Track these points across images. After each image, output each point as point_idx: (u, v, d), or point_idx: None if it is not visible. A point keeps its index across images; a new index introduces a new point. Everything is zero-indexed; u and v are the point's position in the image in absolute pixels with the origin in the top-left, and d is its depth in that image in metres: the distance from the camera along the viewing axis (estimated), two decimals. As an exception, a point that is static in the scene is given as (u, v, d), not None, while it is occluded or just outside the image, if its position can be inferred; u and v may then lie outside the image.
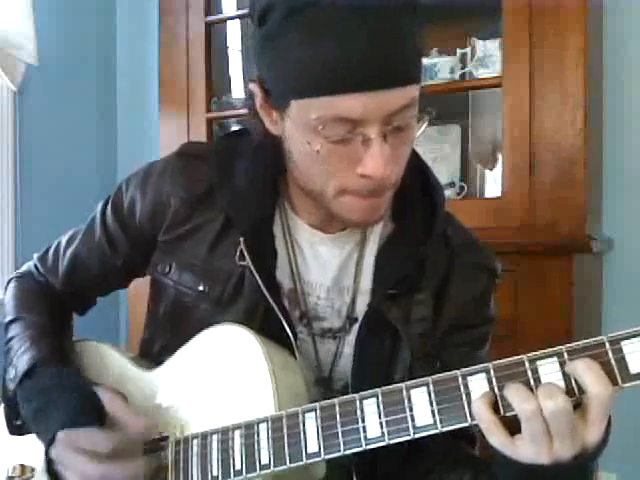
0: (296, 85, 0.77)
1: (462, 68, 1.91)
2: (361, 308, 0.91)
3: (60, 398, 0.83)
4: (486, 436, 0.66)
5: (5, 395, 0.90)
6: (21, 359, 0.89)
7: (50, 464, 0.82)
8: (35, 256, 1.07)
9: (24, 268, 1.07)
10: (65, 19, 2.42)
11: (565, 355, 0.63)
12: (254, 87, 0.83)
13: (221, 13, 2.34)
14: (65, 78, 2.42)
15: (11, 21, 2.04)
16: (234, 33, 2.47)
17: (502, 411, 0.64)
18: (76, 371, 0.90)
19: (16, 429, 0.90)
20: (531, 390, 0.63)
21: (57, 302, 1.02)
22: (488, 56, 1.84)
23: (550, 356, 0.64)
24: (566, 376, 0.63)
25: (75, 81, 2.48)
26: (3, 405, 0.92)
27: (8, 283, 1.05)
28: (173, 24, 2.29)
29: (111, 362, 0.96)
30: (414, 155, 0.95)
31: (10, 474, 0.93)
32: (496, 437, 0.65)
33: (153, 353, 0.97)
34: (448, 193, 1.97)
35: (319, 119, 0.76)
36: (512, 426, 0.65)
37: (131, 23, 2.64)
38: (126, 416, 0.81)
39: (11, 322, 0.97)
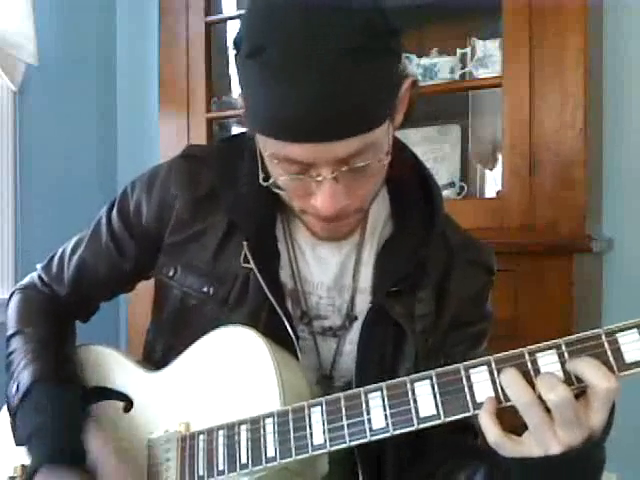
0: (253, 120, 0.79)
1: (462, 68, 1.91)
2: (361, 307, 0.92)
3: (48, 428, 0.85)
4: (495, 449, 0.67)
5: (9, 408, 0.91)
6: (22, 374, 0.89)
7: None
8: (38, 266, 1.07)
9: (27, 279, 1.07)
10: (65, 19, 2.42)
11: (563, 347, 0.65)
12: (240, 101, 0.85)
13: (221, 13, 2.34)
14: (65, 78, 2.42)
15: (11, 21, 2.04)
16: (234, 33, 2.46)
17: (503, 402, 0.66)
18: (72, 394, 0.90)
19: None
20: (530, 381, 0.65)
21: (60, 312, 1.02)
22: (488, 56, 1.84)
23: (549, 348, 0.66)
24: (565, 367, 0.65)
25: (75, 81, 2.48)
26: (9, 417, 0.92)
27: (11, 296, 1.05)
28: (173, 24, 2.29)
29: (115, 364, 0.97)
30: (412, 156, 0.97)
31: (12, 474, 0.93)
32: (505, 448, 0.66)
33: (156, 355, 0.97)
34: (448, 193, 1.97)
35: (273, 155, 0.78)
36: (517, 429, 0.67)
37: (131, 23, 2.64)
38: (109, 469, 0.83)
39: (12, 335, 0.97)
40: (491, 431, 0.66)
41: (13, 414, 0.89)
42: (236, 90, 2.37)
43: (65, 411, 0.86)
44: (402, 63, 0.81)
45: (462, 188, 1.99)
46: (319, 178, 0.77)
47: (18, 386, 0.89)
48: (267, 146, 0.79)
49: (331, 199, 0.78)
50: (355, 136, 0.74)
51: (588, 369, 0.63)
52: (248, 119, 0.81)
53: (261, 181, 0.84)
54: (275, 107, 0.74)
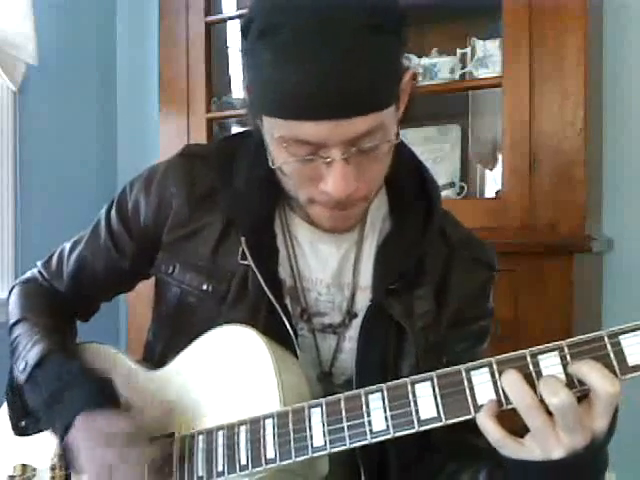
0: (262, 103, 0.79)
1: (462, 68, 1.91)
2: (361, 304, 0.92)
3: (75, 383, 0.84)
4: (496, 448, 0.67)
5: (12, 389, 0.90)
6: (31, 352, 0.89)
7: (65, 450, 0.82)
8: (38, 263, 1.07)
9: (28, 275, 1.07)
10: (65, 19, 2.42)
11: (566, 349, 0.65)
12: (245, 92, 0.85)
13: (221, 13, 2.34)
14: (65, 78, 2.42)
15: (11, 21, 2.04)
16: (234, 33, 2.46)
17: (504, 404, 0.66)
18: (84, 363, 0.91)
19: (22, 430, 0.90)
20: (532, 383, 0.64)
21: (61, 305, 1.02)
22: (488, 56, 1.84)
23: (551, 350, 0.65)
24: (567, 370, 0.64)
25: (75, 81, 2.48)
26: (7, 407, 0.92)
27: (12, 289, 1.05)
28: (173, 24, 2.28)
29: (115, 363, 0.96)
30: (410, 154, 0.97)
31: (11, 473, 0.93)
32: (507, 449, 0.66)
33: (156, 353, 0.97)
34: (448, 193, 1.97)
35: (282, 138, 0.78)
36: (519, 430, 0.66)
37: (131, 23, 2.64)
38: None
39: (16, 323, 0.97)
40: (491, 432, 0.66)
41: (15, 393, 0.89)
42: (236, 90, 2.37)
43: (87, 368, 0.87)
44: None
45: (462, 188, 1.99)
46: (329, 160, 0.76)
47: (26, 363, 0.88)
48: (276, 129, 0.78)
49: (342, 181, 0.77)
50: (367, 114, 0.75)
51: (592, 373, 0.62)
52: (255, 106, 0.81)
53: (271, 164, 0.83)
54: (288, 85, 0.73)
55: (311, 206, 0.85)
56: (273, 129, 0.79)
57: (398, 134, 0.81)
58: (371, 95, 0.75)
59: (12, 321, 0.98)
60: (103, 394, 0.83)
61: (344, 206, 0.82)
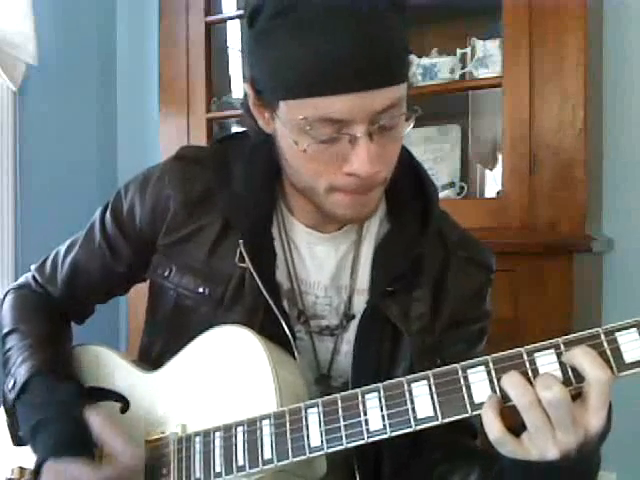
0: (282, 86, 0.77)
1: (462, 68, 1.91)
2: (358, 306, 0.92)
3: (50, 421, 0.85)
4: (495, 446, 0.66)
5: (6, 405, 0.91)
6: (19, 369, 0.89)
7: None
8: (32, 267, 1.06)
9: (22, 280, 1.07)
10: (65, 19, 2.42)
11: (562, 347, 0.65)
12: (247, 87, 0.84)
13: (221, 13, 2.34)
14: (65, 78, 2.42)
15: (11, 21, 2.04)
16: (234, 33, 2.47)
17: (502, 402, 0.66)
18: (70, 386, 0.90)
19: (20, 440, 0.90)
20: (529, 381, 0.64)
21: (55, 311, 1.02)
22: (488, 56, 1.83)
23: (547, 348, 0.66)
24: (563, 366, 0.64)
25: (75, 81, 2.48)
26: (6, 417, 0.92)
27: (5, 295, 1.04)
28: (173, 24, 2.28)
29: (112, 365, 0.96)
30: (407, 155, 0.96)
31: (9, 476, 0.93)
32: (506, 447, 0.66)
33: (152, 356, 0.97)
34: (448, 193, 1.97)
35: (306, 120, 0.76)
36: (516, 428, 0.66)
37: (131, 23, 2.63)
38: (115, 446, 0.83)
39: (9, 333, 0.97)
40: (494, 427, 0.65)
41: (10, 410, 0.89)
42: (236, 90, 2.37)
43: (63, 403, 0.86)
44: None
45: (462, 188, 1.99)
46: (357, 133, 0.76)
47: (15, 381, 0.89)
48: (299, 110, 0.76)
49: (368, 158, 0.77)
50: (390, 86, 0.76)
51: (583, 357, 0.62)
52: (270, 91, 0.79)
53: (284, 160, 0.83)
54: (312, 60, 0.73)
55: (331, 195, 0.82)
56: (294, 112, 0.77)
57: (408, 119, 0.81)
58: (393, 67, 0.76)
59: (4, 331, 0.98)
60: (73, 441, 0.83)
61: (365, 189, 0.81)
